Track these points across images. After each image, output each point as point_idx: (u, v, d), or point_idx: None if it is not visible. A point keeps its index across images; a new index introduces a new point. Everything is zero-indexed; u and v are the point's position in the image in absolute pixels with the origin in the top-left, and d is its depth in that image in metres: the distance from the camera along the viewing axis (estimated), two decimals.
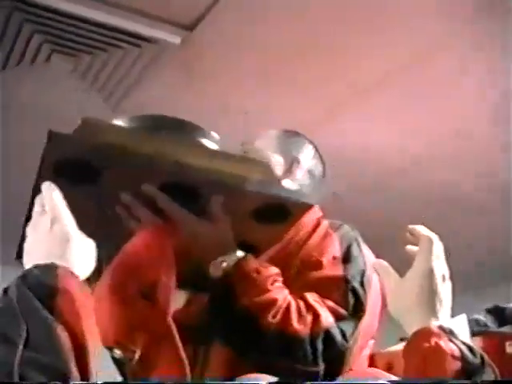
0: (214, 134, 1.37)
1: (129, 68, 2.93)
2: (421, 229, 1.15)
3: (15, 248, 1.11)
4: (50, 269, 0.92)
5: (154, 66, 2.92)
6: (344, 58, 2.89)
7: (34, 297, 0.87)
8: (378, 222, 4.20)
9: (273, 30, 2.70)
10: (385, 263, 1.19)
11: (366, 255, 1.48)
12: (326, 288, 1.37)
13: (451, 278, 1.13)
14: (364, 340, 1.41)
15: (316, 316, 1.30)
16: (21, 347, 0.81)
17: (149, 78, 3.03)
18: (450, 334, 1.04)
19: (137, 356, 1.16)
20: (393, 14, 2.60)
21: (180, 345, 1.18)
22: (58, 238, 0.98)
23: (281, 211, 1.34)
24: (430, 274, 1.10)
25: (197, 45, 2.78)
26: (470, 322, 1.74)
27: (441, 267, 1.12)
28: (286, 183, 1.62)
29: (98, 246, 1.33)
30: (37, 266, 0.93)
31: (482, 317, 1.95)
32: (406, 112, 3.30)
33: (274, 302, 1.29)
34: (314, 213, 1.61)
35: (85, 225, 1.26)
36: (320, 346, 1.28)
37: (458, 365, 1.00)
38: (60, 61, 2.84)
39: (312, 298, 1.34)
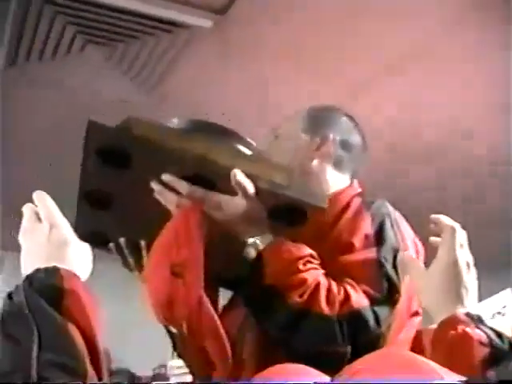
0: (251, 141, 1.39)
1: (162, 54, 2.95)
2: (443, 218, 1.15)
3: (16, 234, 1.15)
4: (53, 271, 0.95)
5: (186, 50, 2.93)
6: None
7: (42, 299, 0.89)
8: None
9: (302, 11, 2.68)
10: (410, 256, 1.19)
11: (400, 230, 1.43)
12: (358, 272, 1.33)
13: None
14: (401, 321, 1.37)
15: (347, 297, 1.27)
16: (35, 350, 0.83)
17: (182, 62, 3.04)
18: (477, 320, 1.04)
19: (184, 329, 1.22)
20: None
21: (216, 317, 1.23)
22: (57, 243, 1.02)
23: (296, 213, 1.34)
24: (455, 263, 1.10)
25: (228, 28, 2.78)
26: None
27: (465, 255, 1.12)
28: (316, 163, 1.59)
29: (138, 234, 1.40)
30: (39, 270, 0.95)
31: None
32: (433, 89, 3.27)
33: (303, 282, 1.27)
34: (352, 189, 1.59)
35: (123, 208, 1.35)
36: (348, 327, 1.25)
37: (485, 351, 0.99)
38: (94, 50, 2.87)
39: (347, 280, 1.31)
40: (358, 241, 1.37)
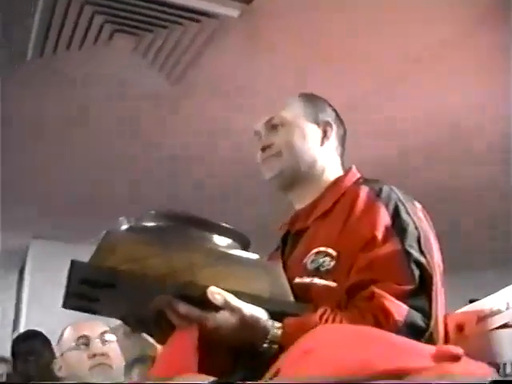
0: (240, 232, 1.39)
1: (189, 43, 2.94)
2: None
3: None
4: None
5: (214, 39, 2.92)
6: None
7: None
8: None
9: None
10: None
11: (413, 213, 1.41)
12: (386, 268, 1.31)
13: None
14: (441, 301, 1.32)
15: (387, 314, 1.24)
16: None
17: (209, 52, 3.04)
18: None
19: None
20: None
21: None
22: None
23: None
24: None
25: (255, 17, 2.77)
26: None
27: None
28: (326, 149, 1.60)
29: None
30: None
31: None
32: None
33: None
34: (352, 174, 1.58)
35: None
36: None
37: None
38: (122, 40, 2.87)
39: (376, 291, 1.27)
40: (380, 234, 1.35)
